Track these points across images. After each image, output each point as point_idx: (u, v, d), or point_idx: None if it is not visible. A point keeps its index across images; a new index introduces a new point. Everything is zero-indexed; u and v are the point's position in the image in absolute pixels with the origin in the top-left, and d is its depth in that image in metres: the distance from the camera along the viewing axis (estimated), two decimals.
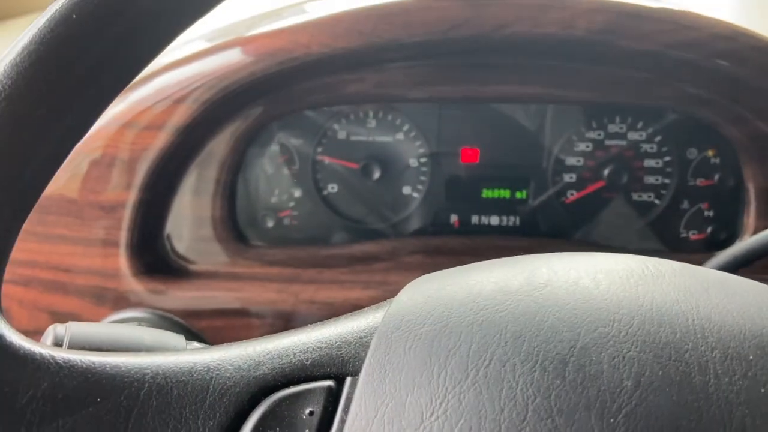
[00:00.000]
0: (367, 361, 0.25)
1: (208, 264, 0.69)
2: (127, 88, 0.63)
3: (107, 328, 0.34)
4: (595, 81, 0.65)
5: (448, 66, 0.66)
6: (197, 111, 0.62)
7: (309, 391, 0.26)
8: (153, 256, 0.66)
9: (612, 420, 0.22)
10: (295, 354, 0.27)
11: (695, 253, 0.69)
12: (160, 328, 0.38)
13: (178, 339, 0.36)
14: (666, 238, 0.72)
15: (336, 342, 0.27)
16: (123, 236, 0.64)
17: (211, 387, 0.25)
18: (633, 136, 0.70)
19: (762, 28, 0.59)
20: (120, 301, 0.65)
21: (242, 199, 0.72)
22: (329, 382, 0.26)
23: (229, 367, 0.26)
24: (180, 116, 0.62)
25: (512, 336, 0.25)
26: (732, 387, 0.23)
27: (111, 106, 0.66)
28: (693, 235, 0.71)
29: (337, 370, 0.26)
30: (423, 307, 0.27)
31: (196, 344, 0.35)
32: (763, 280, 0.29)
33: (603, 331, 0.24)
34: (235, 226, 0.71)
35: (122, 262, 0.64)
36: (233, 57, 0.61)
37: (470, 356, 0.24)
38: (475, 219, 0.73)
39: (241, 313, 0.67)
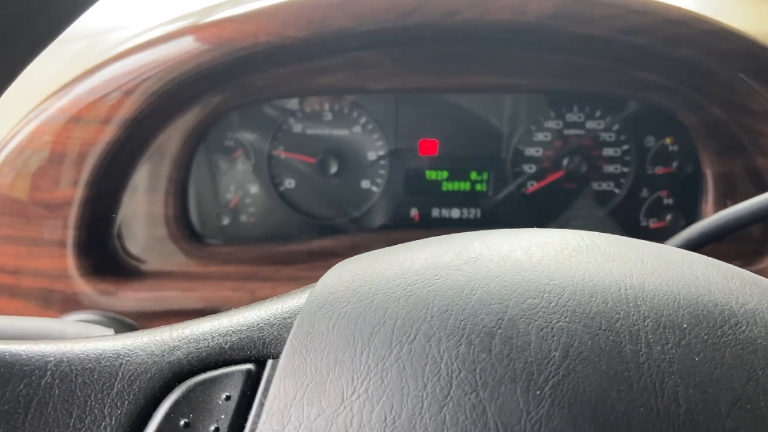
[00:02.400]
0: (288, 341, 0.24)
1: (161, 263, 0.67)
2: (73, 80, 0.61)
3: (28, 321, 0.32)
4: (553, 70, 0.64)
5: (405, 56, 0.64)
6: (145, 103, 0.59)
7: (226, 375, 0.24)
8: (102, 256, 0.64)
9: (538, 392, 0.21)
10: (213, 338, 0.25)
11: (656, 241, 0.68)
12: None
13: (106, 332, 0.34)
14: (626, 227, 0.71)
15: (258, 324, 0.26)
16: (70, 235, 0.61)
17: (120, 374, 0.23)
18: (591, 125, 0.70)
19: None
20: (68, 303, 0.62)
21: (196, 197, 0.70)
22: (248, 366, 0.24)
23: (141, 353, 0.24)
24: (127, 109, 0.60)
25: (439, 310, 0.23)
26: (664, 356, 0.22)
27: (56, 100, 0.63)
28: (653, 224, 0.71)
29: (258, 353, 0.25)
30: (349, 286, 0.25)
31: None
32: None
33: (532, 303, 0.23)
34: (188, 224, 0.69)
35: (69, 262, 0.62)
36: (181, 47, 0.59)
37: (395, 332, 0.23)
38: (435, 212, 0.72)
39: (196, 313, 0.65)
